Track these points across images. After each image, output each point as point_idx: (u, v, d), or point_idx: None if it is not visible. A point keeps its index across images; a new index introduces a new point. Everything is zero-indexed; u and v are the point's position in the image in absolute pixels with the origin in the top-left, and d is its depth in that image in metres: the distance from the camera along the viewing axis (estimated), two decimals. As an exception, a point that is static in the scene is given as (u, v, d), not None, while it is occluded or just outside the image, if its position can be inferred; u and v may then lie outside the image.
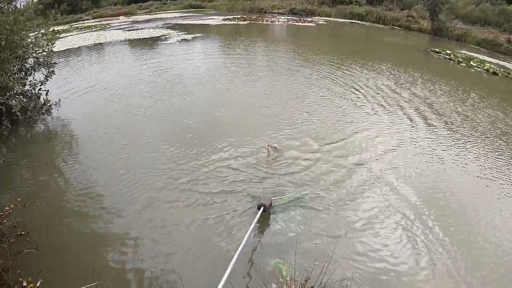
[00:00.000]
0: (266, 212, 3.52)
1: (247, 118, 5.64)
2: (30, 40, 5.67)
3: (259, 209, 3.43)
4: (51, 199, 3.68)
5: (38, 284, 2.63)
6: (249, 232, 2.90)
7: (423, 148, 5.00)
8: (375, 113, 6.14)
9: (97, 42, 12.24)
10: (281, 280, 2.82)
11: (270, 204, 3.60)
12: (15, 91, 5.23)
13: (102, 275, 2.60)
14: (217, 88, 7.09)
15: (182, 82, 7.45)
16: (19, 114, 5.27)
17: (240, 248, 2.65)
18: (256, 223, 3.18)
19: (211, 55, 10.26)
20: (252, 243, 3.17)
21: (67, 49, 11.21)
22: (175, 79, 7.67)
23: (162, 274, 2.81)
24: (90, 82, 7.50)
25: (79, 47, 11.63)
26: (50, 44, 5.95)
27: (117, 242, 3.12)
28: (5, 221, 3.18)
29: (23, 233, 3.11)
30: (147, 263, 2.89)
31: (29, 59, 5.73)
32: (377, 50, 12.16)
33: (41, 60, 5.83)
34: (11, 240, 2.97)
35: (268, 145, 4.68)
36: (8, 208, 3.30)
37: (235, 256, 2.50)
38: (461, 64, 10.81)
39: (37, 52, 5.80)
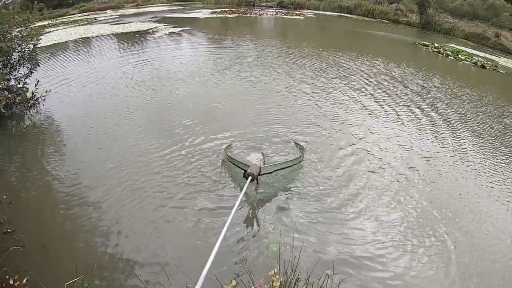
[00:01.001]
0: (254, 181, 3.24)
1: (238, 109, 5.69)
2: (14, 34, 5.49)
3: (246, 178, 3.11)
4: (38, 195, 3.59)
5: (24, 281, 2.58)
6: (235, 207, 2.67)
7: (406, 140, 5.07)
8: (360, 104, 6.20)
9: (83, 37, 11.98)
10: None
11: (259, 173, 3.26)
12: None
13: (87, 269, 2.58)
14: (205, 81, 7.03)
15: (169, 76, 7.35)
16: (4, 111, 5.11)
17: (226, 227, 2.36)
18: (244, 194, 2.94)
19: (199, 48, 10.18)
20: (239, 218, 3.21)
21: (53, 44, 10.93)
22: (161, 73, 7.56)
23: (148, 265, 2.79)
24: (76, 77, 7.34)
25: (65, 41, 11.36)
26: (35, 38, 5.77)
27: (103, 237, 3.06)
28: (-11, 218, 3.11)
29: (9, 230, 3.02)
30: (132, 255, 2.86)
31: (14, 53, 5.55)
32: (365, 44, 12.20)
33: (26, 55, 5.66)
34: (-4, 239, 2.90)
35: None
36: (-8, 204, 3.23)
37: (220, 238, 2.21)
38: (450, 57, 10.94)
39: (22, 47, 5.62)
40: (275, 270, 2.81)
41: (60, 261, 2.82)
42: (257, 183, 3.44)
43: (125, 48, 10.22)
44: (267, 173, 3.53)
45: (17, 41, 5.53)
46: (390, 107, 6.14)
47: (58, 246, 2.96)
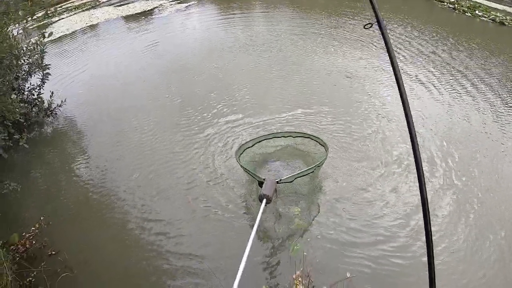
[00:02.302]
0: (271, 202, 2.98)
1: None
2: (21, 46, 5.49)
3: (261, 200, 2.90)
4: (73, 212, 3.88)
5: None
6: (253, 232, 2.59)
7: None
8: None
9: (90, 24, 11.70)
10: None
11: (275, 190, 3.04)
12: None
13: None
14: (219, 57, 7.14)
15: (181, 57, 7.44)
16: (23, 121, 5.26)
17: (247, 250, 2.35)
18: (260, 219, 2.76)
19: (208, 23, 9.99)
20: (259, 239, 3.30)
21: (60, 36, 10.76)
22: (173, 55, 7.66)
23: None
24: (90, 71, 7.41)
25: (72, 32, 11.13)
26: (41, 45, 5.75)
27: (149, 248, 3.34)
28: (33, 242, 3.41)
29: (53, 252, 3.35)
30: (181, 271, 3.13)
31: (23, 65, 5.60)
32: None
33: (35, 64, 5.70)
34: (43, 263, 3.20)
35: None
36: (33, 228, 3.52)
37: (242, 263, 2.22)
38: (466, 14, 10.26)
39: (30, 56, 5.65)
40: (298, 273, 3.05)
41: (106, 278, 3.12)
42: (276, 195, 3.22)
43: (134, 32, 10.01)
44: (286, 182, 3.36)
45: (25, 52, 5.54)
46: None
47: (102, 263, 3.26)
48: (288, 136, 4.06)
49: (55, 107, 5.82)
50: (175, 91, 6.18)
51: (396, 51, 7.38)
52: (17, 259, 3.20)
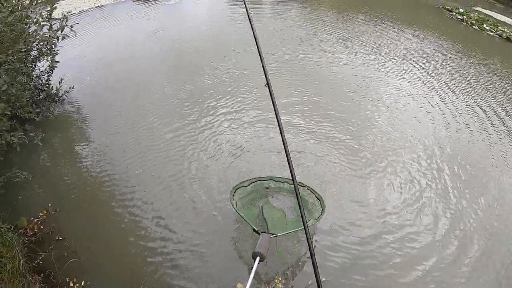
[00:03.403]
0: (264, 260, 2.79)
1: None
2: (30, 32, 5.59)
3: (254, 258, 2.70)
4: (81, 199, 4.08)
5: (82, 283, 3.21)
6: None
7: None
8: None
9: (97, 5, 11.63)
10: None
11: (269, 246, 2.88)
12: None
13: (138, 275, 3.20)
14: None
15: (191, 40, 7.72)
16: (30, 110, 5.43)
17: None
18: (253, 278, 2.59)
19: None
20: None
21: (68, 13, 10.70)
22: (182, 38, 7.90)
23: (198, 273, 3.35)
24: (98, 54, 7.45)
25: (79, 12, 11.08)
26: (52, 33, 5.84)
27: (154, 240, 3.62)
28: (41, 227, 3.69)
29: (60, 238, 3.61)
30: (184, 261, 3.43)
31: (33, 51, 5.72)
32: (384, 4, 11.54)
33: (44, 50, 5.82)
34: (51, 247, 3.48)
35: None
36: (41, 214, 3.80)
37: None
38: (474, 26, 10.33)
39: (39, 42, 5.76)
40: (279, 273, 3.38)
41: (111, 266, 3.38)
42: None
43: (142, 12, 10.06)
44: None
45: (34, 38, 5.64)
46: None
47: (108, 251, 3.52)
48: (284, 182, 3.97)
49: (62, 94, 5.99)
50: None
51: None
52: (27, 242, 3.48)
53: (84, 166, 4.57)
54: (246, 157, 4.64)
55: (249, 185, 3.88)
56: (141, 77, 6.58)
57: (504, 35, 9.67)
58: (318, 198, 3.71)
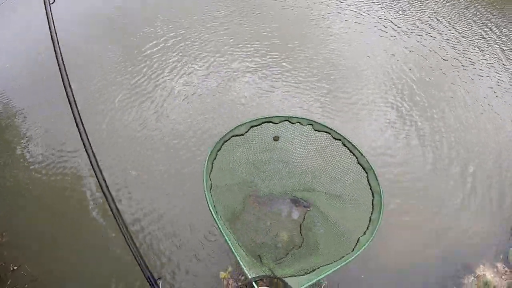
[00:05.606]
0: None
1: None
2: None
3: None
4: (27, 217, 3.48)
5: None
6: None
7: None
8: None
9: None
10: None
11: None
12: None
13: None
14: None
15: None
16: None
17: None
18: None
19: None
20: None
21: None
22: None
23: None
24: None
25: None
26: None
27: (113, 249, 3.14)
28: (-8, 260, 3.22)
29: (15, 267, 3.17)
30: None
31: None
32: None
33: None
34: (8, 282, 3.06)
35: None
36: (-12, 245, 3.28)
37: None
38: None
39: None
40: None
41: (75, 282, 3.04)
42: None
43: None
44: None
45: None
46: None
47: (69, 270, 3.09)
48: (306, 124, 2.07)
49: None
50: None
51: None
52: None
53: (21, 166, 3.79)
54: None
55: (248, 130, 2.09)
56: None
57: None
58: (370, 185, 1.81)
